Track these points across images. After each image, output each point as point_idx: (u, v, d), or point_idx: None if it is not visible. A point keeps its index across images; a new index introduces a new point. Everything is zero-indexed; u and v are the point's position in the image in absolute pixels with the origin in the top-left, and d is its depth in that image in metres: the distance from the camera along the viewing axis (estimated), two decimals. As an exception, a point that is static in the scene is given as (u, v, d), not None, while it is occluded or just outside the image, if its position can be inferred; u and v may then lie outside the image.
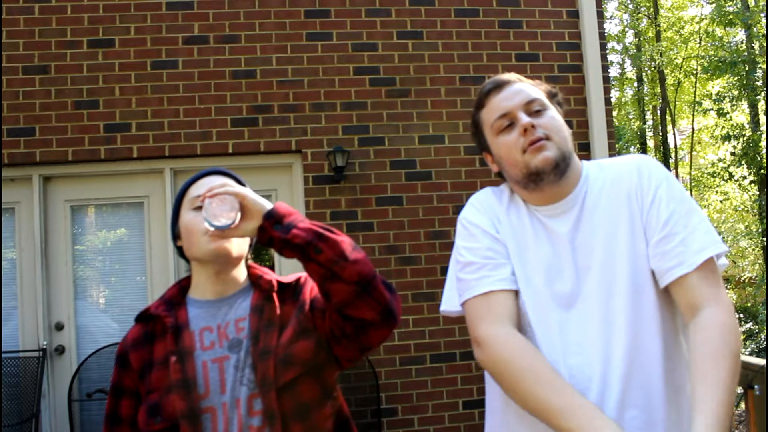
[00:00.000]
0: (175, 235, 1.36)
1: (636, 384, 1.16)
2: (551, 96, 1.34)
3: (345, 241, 1.17)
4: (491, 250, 1.26)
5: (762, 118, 12.78)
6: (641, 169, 1.25)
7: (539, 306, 1.23)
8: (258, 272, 1.36)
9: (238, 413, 1.19)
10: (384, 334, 1.20)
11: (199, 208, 1.28)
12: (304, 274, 1.35)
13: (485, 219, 1.30)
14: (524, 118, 1.25)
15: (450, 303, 1.34)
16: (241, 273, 1.35)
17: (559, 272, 1.23)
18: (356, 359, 1.29)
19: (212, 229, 1.18)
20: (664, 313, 1.20)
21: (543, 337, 1.21)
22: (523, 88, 1.30)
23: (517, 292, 1.24)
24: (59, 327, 3.78)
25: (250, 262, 1.40)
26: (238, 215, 1.17)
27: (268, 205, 1.18)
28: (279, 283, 1.34)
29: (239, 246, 1.31)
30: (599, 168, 1.32)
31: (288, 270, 3.87)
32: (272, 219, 1.15)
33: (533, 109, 1.27)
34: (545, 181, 1.23)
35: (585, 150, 4.08)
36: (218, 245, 1.26)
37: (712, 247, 1.17)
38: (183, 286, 1.37)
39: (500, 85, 1.31)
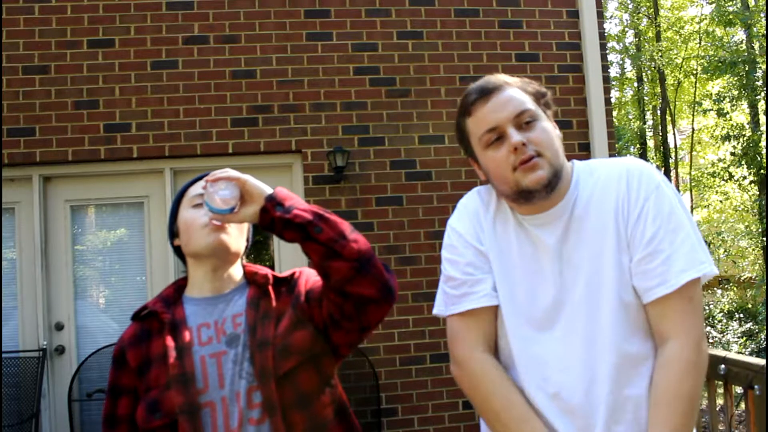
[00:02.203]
0: (173, 235, 1.38)
1: (623, 400, 1.16)
2: (540, 97, 1.27)
3: (344, 222, 1.21)
4: (471, 266, 1.27)
5: (762, 118, 12.78)
6: (631, 179, 1.21)
7: (520, 320, 1.23)
8: (253, 269, 1.38)
9: (238, 406, 1.20)
10: (383, 312, 1.22)
11: (199, 205, 1.30)
12: (298, 269, 1.38)
13: (470, 228, 1.30)
14: (515, 136, 1.18)
15: (441, 307, 1.35)
16: (237, 271, 1.37)
17: (543, 285, 1.22)
18: (355, 344, 1.31)
19: (213, 213, 1.20)
20: (650, 328, 1.19)
21: (521, 354, 1.22)
22: (512, 96, 1.22)
23: (497, 307, 1.25)
24: (59, 327, 3.78)
25: (245, 261, 1.42)
26: (238, 202, 1.19)
27: (269, 190, 1.21)
28: (274, 277, 1.36)
29: (237, 241, 1.33)
30: (590, 172, 1.27)
31: (287, 268, 3.87)
32: (274, 201, 1.18)
33: (523, 121, 1.20)
34: (536, 198, 1.20)
35: (585, 150, 4.08)
36: (217, 237, 1.28)
37: (695, 268, 1.14)
38: (179, 285, 1.38)
39: (487, 93, 1.23)
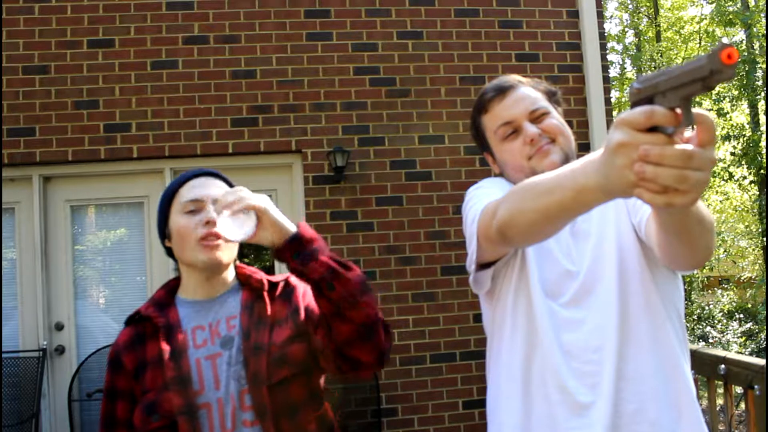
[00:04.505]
0: (163, 235, 1.37)
1: (629, 358, 1.18)
2: (551, 95, 1.36)
3: (358, 279, 1.16)
4: None
5: (762, 118, 12.78)
6: None
7: (544, 285, 1.25)
8: (247, 272, 1.38)
9: (232, 408, 1.21)
10: (373, 371, 1.27)
11: (192, 212, 1.29)
12: (293, 276, 1.36)
13: (499, 191, 1.31)
14: (530, 129, 1.28)
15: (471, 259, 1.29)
16: (229, 274, 1.37)
17: (562, 254, 1.26)
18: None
19: (227, 240, 1.15)
20: (650, 293, 1.21)
21: (541, 314, 1.23)
22: (526, 94, 1.32)
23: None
24: (59, 327, 3.78)
25: (238, 262, 1.42)
26: (253, 230, 1.13)
27: (290, 227, 1.15)
28: (269, 281, 1.37)
29: (231, 252, 1.33)
30: None
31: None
32: (294, 245, 1.13)
33: (537, 115, 1.30)
34: None
35: (585, 150, 4.08)
36: (212, 255, 1.28)
37: None
38: (171, 287, 1.39)
39: (503, 91, 1.32)
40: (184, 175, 1.37)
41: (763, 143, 11.80)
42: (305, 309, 1.30)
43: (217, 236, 1.26)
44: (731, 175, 12.80)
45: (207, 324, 1.29)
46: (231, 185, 1.36)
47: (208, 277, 1.32)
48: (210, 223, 1.26)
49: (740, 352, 8.80)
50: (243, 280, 1.37)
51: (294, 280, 1.36)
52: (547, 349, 1.21)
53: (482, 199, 1.25)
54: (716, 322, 10.71)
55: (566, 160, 1.27)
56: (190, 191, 1.31)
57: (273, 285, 1.36)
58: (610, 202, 1.20)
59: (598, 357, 1.18)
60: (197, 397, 1.21)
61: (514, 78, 1.36)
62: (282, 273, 1.41)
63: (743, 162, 12.22)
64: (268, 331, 1.27)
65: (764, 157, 11.65)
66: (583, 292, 1.22)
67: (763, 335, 9.91)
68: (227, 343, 1.27)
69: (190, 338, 1.27)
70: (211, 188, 1.32)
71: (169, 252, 1.38)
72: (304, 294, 1.33)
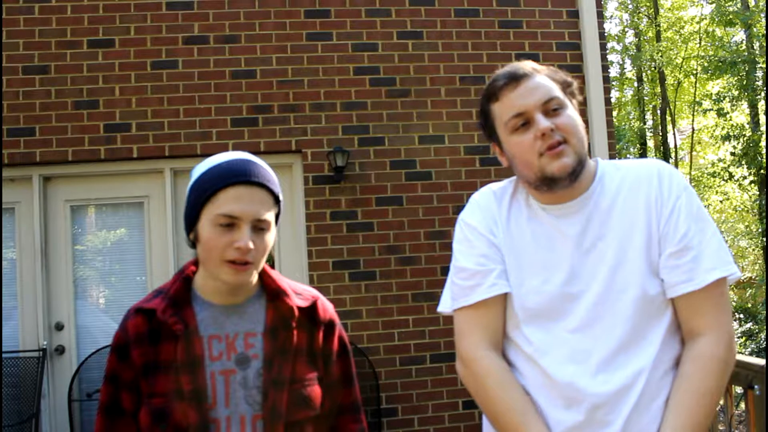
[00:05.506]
0: (190, 228, 1.24)
1: (627, 399, 1.15)
2: (567, 86, 1.27)
3: None
4: (485, 257, 1.26)
5: (762, 118, 12.78)
6: (662, 176, 1.23)
7: (528, 312, 1.23)
8: (275, 285, 1.28)
9: (242, 430, 1.19)
10: None
11: (225, 228, 1.16)
12: (319, 298, 1.33)
13: (483, 221, 1.29)
14: (542, 122, 1.19)
15: (447, 304, 1.35)
16: (252, 279, 1.27)
17: (555, 276, 1.22)
18: None
19: None
20: (673, 326, 1.20)
21: (536, 342, 1.21)
22: (540, 83, 1.22)
23: (506, 297, 1.25)
24: (59, 327, 3.78)
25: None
26: None
27: None
28: (299, 309, 1.28)
29: (257, 270, 1.24)
30: (615, 168, 1.29)
31: (288, 270, 3.87)
32: None
33: (551, 108, 1.21)
34: (559, 186, 1.21)
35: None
36: (238, 278, 1.19)
37: (722, 268, 1.17)
38: (187, 276, 1.28)
39: (516, 79, 1.23)
40: (228, 169, 1.20)
41: (763, 143, 11.80)
42: (328, 367, 1.31)
43: (247, 262, 1.17)
44: (731, 175, 12.81)
45: (224, 335, 1.23)
46: (277, 198, 1.24)
47: (229, 289, 1.24)
48: (241, 249, 1.15)
49: (740, 352, 8.80)
50: (270, 292, 1.28)
51: (321, 307, 1.31)
52: (552, 376, 1.19)
53: (462, 276, 1.29)
54: (716, 322, 10.69)
55: (579, 163, 1.20)
56: (229, 203, 1.16)
57: (301, 310, 1.28)
58: (639, 226, 1.21)
59: (591, 400, 1.16)
60: (209, 412, 1.18)
61: (528, 65, 1.26)
62: (307, 290, 1.34)
63: (743, 162, 12.23)
64: (291, 363, 1.23)
65: (764, 157, 11.65)
66: (592, 319, 1.19)
67: (763, 335, 9.91)
68: (243, 362, 1.22)
69: (206, 348, 1.21)
70: (254, 205, 1.17)
71: (193, 245, 1.25)
72: (338, 353, 1.33)
